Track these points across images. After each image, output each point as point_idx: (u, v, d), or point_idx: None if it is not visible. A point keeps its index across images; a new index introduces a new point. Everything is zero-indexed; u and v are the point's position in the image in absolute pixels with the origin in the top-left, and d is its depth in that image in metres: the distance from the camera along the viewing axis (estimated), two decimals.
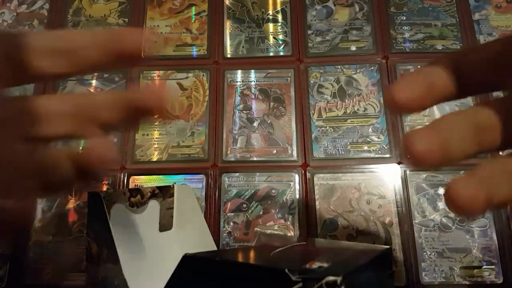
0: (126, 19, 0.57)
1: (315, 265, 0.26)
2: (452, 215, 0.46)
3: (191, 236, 0.41)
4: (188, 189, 0.44)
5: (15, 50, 0.19)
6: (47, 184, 0.19)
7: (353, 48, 0.54)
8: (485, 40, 0.53)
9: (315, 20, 0.56)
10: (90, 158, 0.20)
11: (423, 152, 0.17)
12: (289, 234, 0.46)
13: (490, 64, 0.19)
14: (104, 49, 0.20)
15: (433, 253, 0.45)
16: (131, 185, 0.48)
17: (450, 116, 0.19)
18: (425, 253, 0.45)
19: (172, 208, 0.41)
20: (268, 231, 0.46)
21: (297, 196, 0.47)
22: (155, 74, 0.54)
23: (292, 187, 0.48)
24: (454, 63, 0.20)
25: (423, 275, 0.44)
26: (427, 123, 0.19)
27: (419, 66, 0.52)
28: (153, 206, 0.39)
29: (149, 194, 0.40)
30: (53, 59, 0.20)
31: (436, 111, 0.50)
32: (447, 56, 0.20)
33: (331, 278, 0.23)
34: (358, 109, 0.51)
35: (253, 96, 0.52)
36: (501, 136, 0.19)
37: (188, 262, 0.28)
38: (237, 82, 0.53)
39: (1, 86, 0.19)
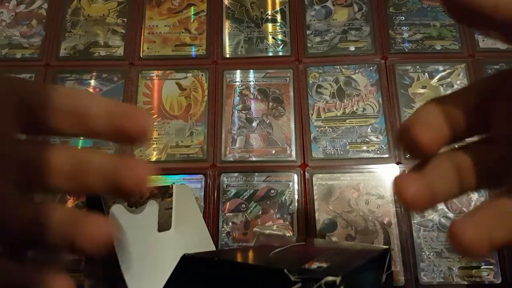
0: (125, 19, 0.57)
1: (314, 265, 0.26)
2: (450, 215, 0.46)
3: (190, 236, 0.41)
4: (187, 189, 0.44)
5: (37, 103, 0.19)
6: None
7: (352, 48, 0.54)
8: (483, 40, 0.53)
9: (314, 20, 0.56)
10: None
11: (413, 198, 0.18)
12: (288, 234, 0.46)
13: (474, 109, 0.19)
14: (113, 125, 0.20)
15: (431, 253, 0.45)
16: None
17: (436, 158, 0.19)
18: (423, 253, 0.45)
19: (171, 208, 0.41)
20: (267, 231, 0.46)
21: (296, 196, 0.47)
22: (154, 74, 0.54)
23: (291, 187, 0.48)
24: (445, 112, 0.20)
25: (422, 275, 0.44)
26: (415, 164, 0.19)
27: (417, 66, 0.52)
28: (152, 206, 0.39)
29: (147, 194, 0.40)
30: (68, 120, 0.19)
31: None
32: (436, 100, 0.20)
33: (330, 278, 0.23)
34: (357, 109, 0.51)
35: (252, 96, 0.52)
36: (477, 178, 0.19)
37: (187, 262, 0.28)
38: (236, 82, 0.53)
39: (8, 129, 0.19)
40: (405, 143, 0.19)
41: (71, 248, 0.19)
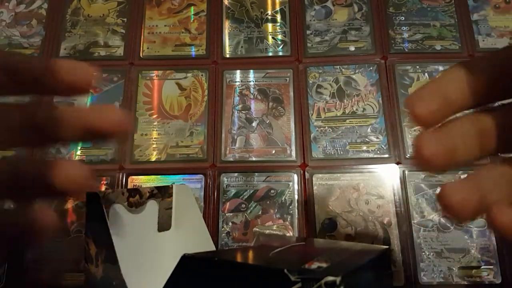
0: (125, 19, 0.57)
1: (314, 265, 0.26)
2: None
3: (190, 236, 0.41)
4: (187, 189, 0.44)
5: None
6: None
7: (352, 48, 0.54)
8: (483, 40, 0.53)
9: (314, 20, 0.56)
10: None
11: (431, 155, 0.18)
12: (288, 234, 0.46)
13: (503, 71, 0.19)
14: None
15: (431, 253, 0.45)
16: (129, 185, 0.48)
17: (458, 120, 0.19)
18: (423, 253, 0.45)
19: (171, 208, 0.41)
20: (267, 231, 0.46)
21: (296, 196, 0.47)
22: (154, 74, 0.54)
23: (291, 187, 0.48)
24: (470, 72, 0.19)
25: (422, 275, 0.44)
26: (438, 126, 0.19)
27: (417, 66, 0.52)
28: (152, 206, 0.39)
29: (147, 194, 0.40)
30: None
31: None
32: (463, 65, 0.20)
33: (330, 278, 0.23)
34: (357, 109, 0.51)
35: (252, 96, 0.52)
36: (496, 142, 0.19)
37: (187, 262, 0.28)
38: (236, 82, 0.53)
39: None
40: (409, 114, 0.19)
41: (49, 188, 0.18)
